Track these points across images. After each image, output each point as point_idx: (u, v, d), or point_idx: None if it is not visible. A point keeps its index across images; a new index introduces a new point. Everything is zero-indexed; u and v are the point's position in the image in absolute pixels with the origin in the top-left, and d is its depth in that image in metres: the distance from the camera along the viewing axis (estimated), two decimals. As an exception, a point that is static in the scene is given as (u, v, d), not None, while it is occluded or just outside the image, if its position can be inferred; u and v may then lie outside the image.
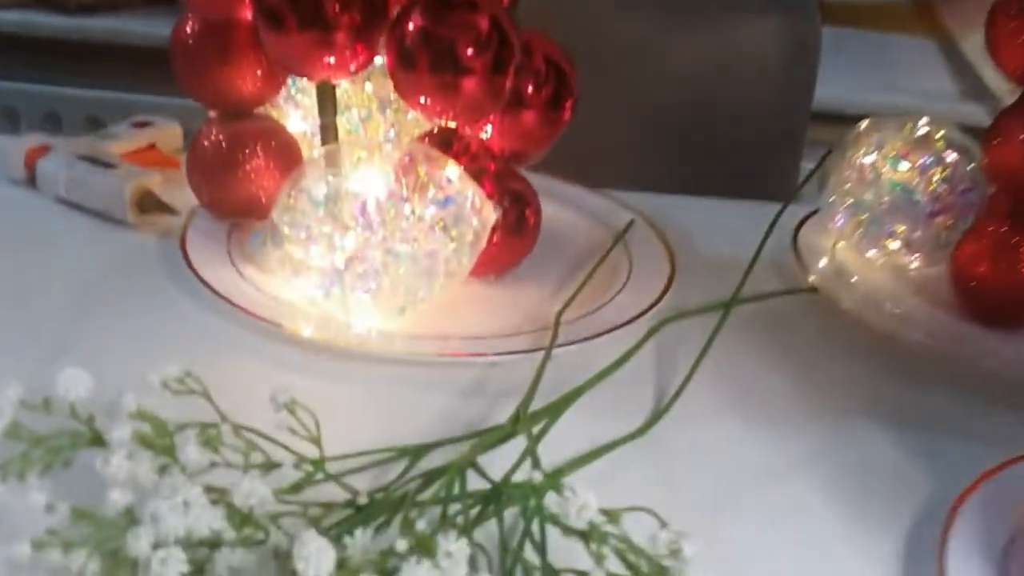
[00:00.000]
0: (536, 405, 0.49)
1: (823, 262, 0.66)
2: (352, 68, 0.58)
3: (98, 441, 0.38)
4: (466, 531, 0.38)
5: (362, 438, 0.45)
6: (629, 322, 0.58)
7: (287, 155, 0.62)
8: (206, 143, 0.62)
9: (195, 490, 0.35)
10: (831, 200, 0.67)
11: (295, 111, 0.64)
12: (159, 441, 0.38)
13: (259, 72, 0.60)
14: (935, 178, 0.64)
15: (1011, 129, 0.60)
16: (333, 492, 0.40)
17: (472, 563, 0.34)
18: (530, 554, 0.38)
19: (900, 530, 0.46)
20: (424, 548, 0.33)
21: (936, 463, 0.51)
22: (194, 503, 0.34)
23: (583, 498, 0.35)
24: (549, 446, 0.46)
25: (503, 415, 0.49)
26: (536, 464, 0.43)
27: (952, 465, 0.50)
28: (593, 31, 0.99)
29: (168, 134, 0.75)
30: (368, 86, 0.62)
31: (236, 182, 0.61)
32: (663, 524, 0.35)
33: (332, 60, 0.57)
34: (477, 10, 0.56)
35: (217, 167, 0.61)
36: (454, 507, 0.40)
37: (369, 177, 0.55)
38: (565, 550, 0.37)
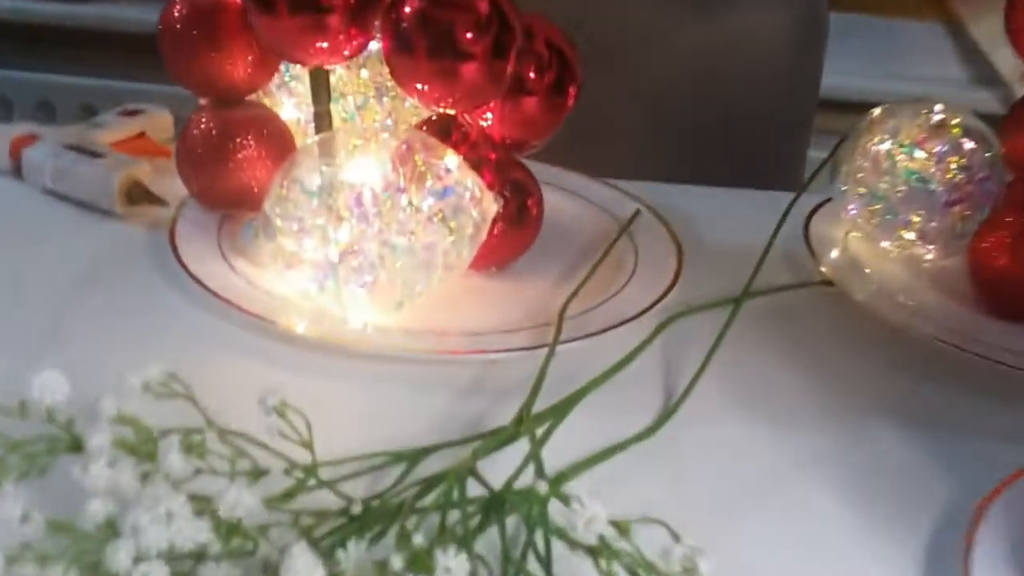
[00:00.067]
0: (539, 405, 0.47)
1: (835, 253, 0.65)
2: (346, 53, 0.57)
3: (77, 447, 0.36)
4: (466, 542, 0.36)
5: (356, 440, 0.44)
6: (636, 317, 0.56)
7: (280, 144, 0.60)
8: (196, 132, 0.60)
9: (179, 500, 0.33)
10: (844, 189, 0.66)
11: (288, 99, 0.63)
12: (142, 447, 0.36)
13: (250, 58, 0.59)
14: (952, 166, 0.62)
15: (1030, 117, 0.59)
16: (326, 499, 0.39)
17: (472, 577, 0.33)
18: (534, 566, 0.37)
19: (917, 533, 0.45)
20: (421, 565, 0.31)
21: (951, 461, 0.50)
22: (178, 514, 0.33)
23: (591, 510, 0.33)
24: (551, 447, 0.45)
25: (503, 414, 0.47)
26: (540, 470, 0.42)
27: (968, 463, 0.49)
28: (595, 15, 0.97)
29: (158, 122, 0.74)
30: (364, 72, 0.61)
31: (227, 172, 0.59)
32: (676, 538, 0.33)
33: (325, 45, 0.55)
34: (476, -8, 0.54)
35: (207, 156, 0.60)
36: (453, 515, 0.39)
37: (365, 167, 0.54)
38: (570, 561, 0.35)
